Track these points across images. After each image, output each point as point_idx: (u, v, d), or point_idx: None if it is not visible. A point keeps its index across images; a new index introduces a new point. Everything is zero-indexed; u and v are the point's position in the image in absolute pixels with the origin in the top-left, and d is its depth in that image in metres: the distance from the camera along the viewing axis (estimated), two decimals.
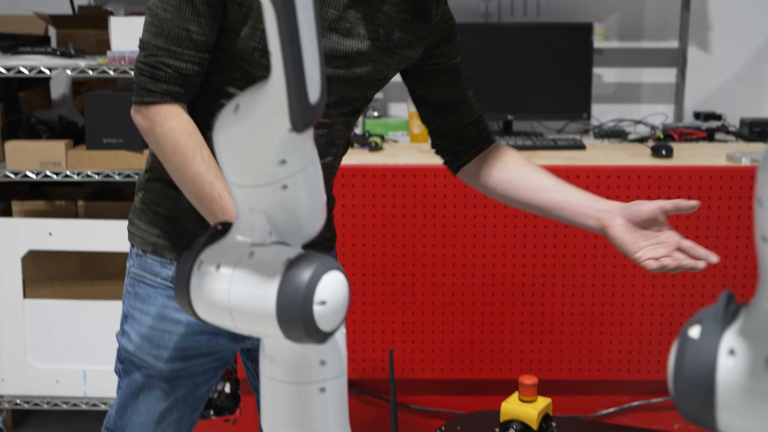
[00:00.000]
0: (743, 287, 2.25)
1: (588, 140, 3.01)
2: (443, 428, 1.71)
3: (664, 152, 2.40)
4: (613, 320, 2.27)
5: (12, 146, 2.62)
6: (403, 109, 3.42)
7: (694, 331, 0.78)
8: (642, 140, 3.01)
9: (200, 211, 1.35)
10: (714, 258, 1.34)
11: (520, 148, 2.54)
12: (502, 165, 1.52)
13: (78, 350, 2.72)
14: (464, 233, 2.23)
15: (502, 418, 1.65)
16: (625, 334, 2.28)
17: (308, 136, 1.00)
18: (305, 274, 0.98)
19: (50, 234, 2.64)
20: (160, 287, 1.47)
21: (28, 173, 2.62)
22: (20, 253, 2.66)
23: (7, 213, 2.76)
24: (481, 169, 1.54)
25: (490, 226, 2.24)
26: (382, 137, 2.63)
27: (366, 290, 2.26)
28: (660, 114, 3.46)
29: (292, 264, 0.99)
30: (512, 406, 1.65)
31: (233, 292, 1.01)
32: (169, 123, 1.33)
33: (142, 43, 1.35)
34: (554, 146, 2.57)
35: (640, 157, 2.42)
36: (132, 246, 1.52)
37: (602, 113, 3.47)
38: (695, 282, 2.26)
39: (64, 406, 2.73)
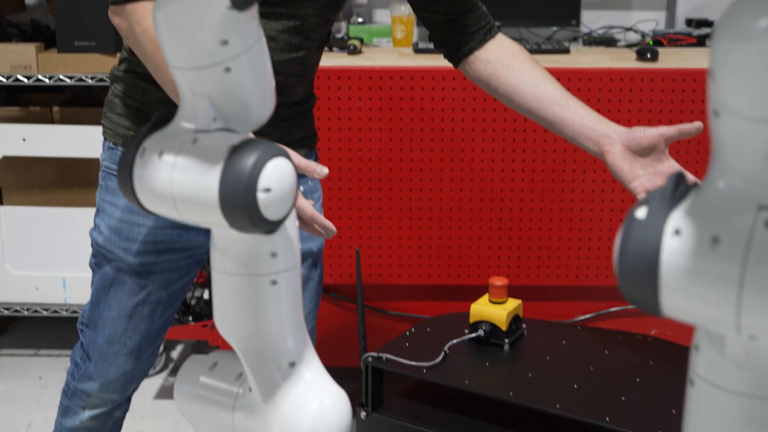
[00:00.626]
0: None
1: (576, 47, 2.94)
2: (413, 330, 1.70)
3: (649, 56, 2.33)
4: (592, 226, 2.25)
5: None
6: (387, 16, 3.33)
7: (641, 212, 0.74)
8: (629, 46, 2.94)
9: (174, 98, 1.31)
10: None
11: None
12: (506, 66, 1.43)
13: (57, 257, 2.70)
14: (438, 137, 2.19)
15: (472, 320, 1.64)
16: (604, 240, 2.26)
17: (251, 15, 0.95)
18: (248, 160, 0.94)
19: (24, 140, 2.59)
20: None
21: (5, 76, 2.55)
22: None
23: None
24: (484, 66, 1.45)
25: (468, 130, 2.19)
26: (362, 40, 2.56)
27: (342, 194, 2.23)
28: (651, 21, 3.37)
29: (236, 150, 0.95)
30: (482, 308, 1.63)
31: (176, 180, 0.97)
32: (148, 21, 1.27)
33: None
34: (538, 50, 2.50)
35: (624, 60, 2.36)
36: (104, 139, 1.51)
37: (592, 20, 3.38)
38: None
39: (44, 313, 2.72)
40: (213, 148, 0.96)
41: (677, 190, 0.75)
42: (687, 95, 2.16)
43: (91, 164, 2.61)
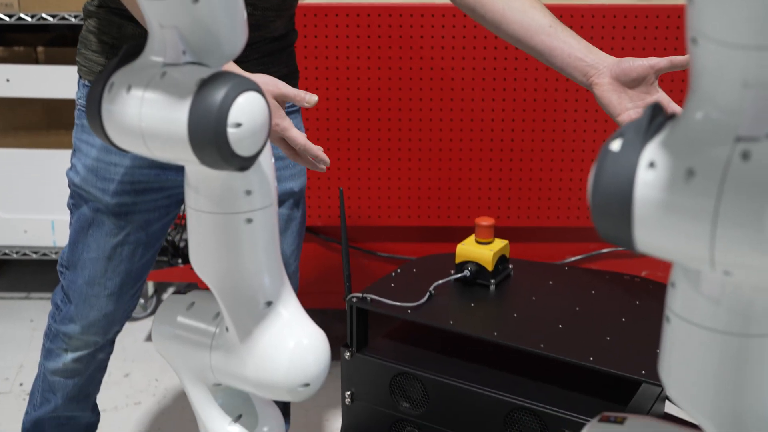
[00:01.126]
0: None
1: None
2: (399, 270, 1.68)
3: None
4: (583, 167, 2.22)
5: None
6: None
7: (615, 144, 0.72)
8: None
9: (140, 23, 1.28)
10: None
11: None
12: None
13: (45, 200, 2.68)
14: (426, 76, 2.15)
15: (458, 260, 1.62)
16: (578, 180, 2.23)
17: None
18: (218, 94, 0.92)
19: (8, 80, 2.54)
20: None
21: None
22: None
23: None
24: None
25: (458, 69, 2.15)
26: None
27: (328, 134, 2.20)
28: None
29: (205, 83, 0.92)
30: (468, 248, 1.62)
31: (144, 115, 0.95)
32: None
33: None
34: None
35: None
36: (80, 77, 1.47)
37: None
38: None
39: (34, 256, 2.72)
40: (182, 82, 0.94)
41: (654, 121, 0.72)
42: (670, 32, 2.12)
43: None
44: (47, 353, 1.62)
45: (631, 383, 1.40)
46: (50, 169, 2.66)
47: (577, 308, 1.54)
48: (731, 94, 0.67)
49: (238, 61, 1.42)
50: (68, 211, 1.54)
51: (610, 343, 1.42)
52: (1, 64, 2.57)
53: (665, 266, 2.31)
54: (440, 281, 1.59)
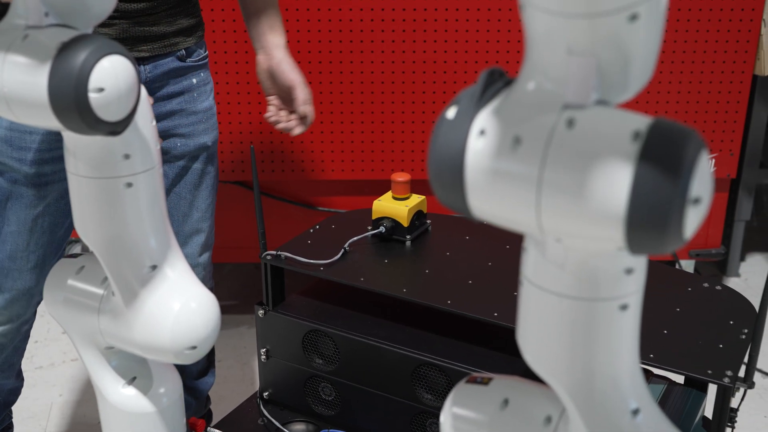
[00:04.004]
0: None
1: None
2: (317, 227, 1.68)
3: None
4: None
5: None
6: None
7: (450, 112, 0.72)
8: None
9: None
10: (298, 131, 1.60)
11: None
12: None
13: None
14: (332, 28, 2.13)
15: (374, 216, 1.62)
16: None
17: None
18: (78, 58, 0.90)
19: None
20: None
21: None
22: None
23: None
24: None
25: (366, 20, 2.13)
26: None
27: (231, 89, 2.18)
28: None
29: (65, 47, 0.91)
30: (383, 204, 1.61)
31: (5, 79, 0.93)
32: None
33: None
34: None
35: None
36: None
37: None
38: None
39: None
40: (43, 45, 0.92)
41: (489, 89, 0.72)
42: None
43: None
44: None
45: None
46: None
47: (489, 264, 1.55)
48: (557, 62, 0.67)
49: (148, 14, 1.40)
50: None
51: (516, 299, 1.43)
52: None
53: None
54: (355, 238, 1.60)
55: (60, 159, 1.43)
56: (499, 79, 0.72)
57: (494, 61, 2.16)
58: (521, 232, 0.74)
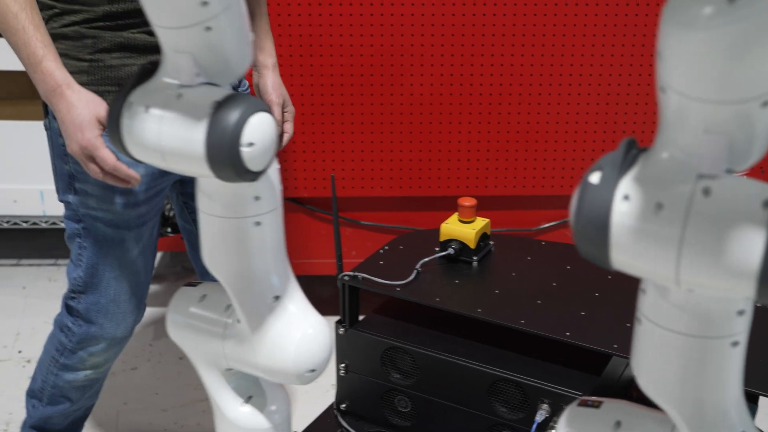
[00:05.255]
0: None
1: None
2: (386, 247, 1.78)
3: None
4: (558, 138, 2.33)
5: None
6: None
7: (594, 177, 0.82)
8: None
9: (10, 45, 1.33)
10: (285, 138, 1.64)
11: None
12: None
13: (34, 171, 2.73)
14: (403, 53, 2.23)
15: (442, 238, 1.73)
16: (569, 150, 2.34)
17: None
18: (232, 116, 1.00)
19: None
20: (104, 136, 1.42)
21: None
22: None
23: None
24: None
25: (437, 45, 2.23)
26: None
27: (306, 110, 2.28)
28: None
29: (220, 106, 1.01)
30: (451, 227, 1.72)
31: (164, 134, 1.03)
32: None
33: None
34: None
35: None
36: None
37: None
38: (634, 108, 2.30)
39: (24, 225, 2.78)
40: (198, 104, 1.02)
41: (627, 156, 0.82)
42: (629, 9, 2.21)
43: None
44: (63, 367, 1.64)
45: (604, 356, 1.52)
46: (36, 140, 2.71)
47: (554, 284, 1.66)
48: (693, 139, 0.77)
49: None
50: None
51: (584, 318, 1.54)
52: None
53: None
54: (426, 259, 1.70)
55: (152, 198, 1.52)
56: (635, 148, 0.83)
57: (558, 84, 2.26)
58: (656, 282, 0.85)
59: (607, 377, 1.51)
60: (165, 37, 1.03)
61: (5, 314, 2.65)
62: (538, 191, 2.38)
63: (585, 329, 1.50)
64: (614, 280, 1.68)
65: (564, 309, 1.57)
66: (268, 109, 1.04)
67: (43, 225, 2.78)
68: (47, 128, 1.51)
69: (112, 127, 1.07)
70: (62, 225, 2.70)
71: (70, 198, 1.50)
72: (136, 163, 1.44)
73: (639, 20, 2.22)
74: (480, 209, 1.75)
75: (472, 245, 1.71)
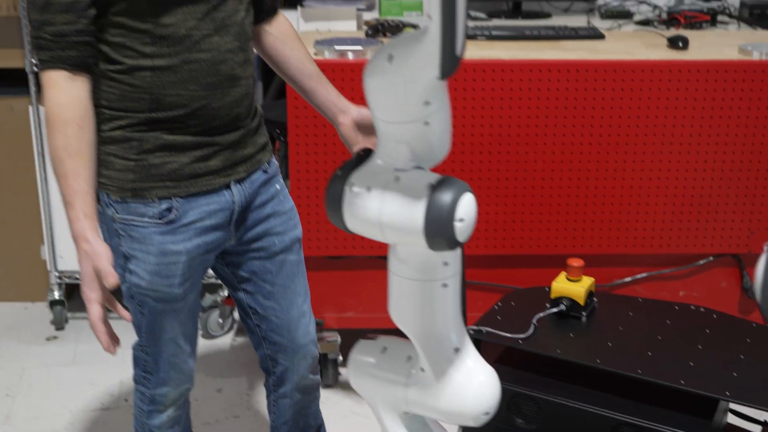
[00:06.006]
0: (749, 171, 2.49)
1: (594, 20, 3.18)
2: (499, 304, 1.96)
3: (680, 44, 2.57)
4: (631, 200, 2.52)
5: None
6: None
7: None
8: (648, 22, 3.17)
9: (56, 178, 1.50)
10: None
11: (543, 38, 2.70)
12: (284, 42, 1.80)
13: None
14: (513, 114, 2.41)
15: (553, 295, 1.91)
16: (640, 212, 2.53)
17: (446, 81, 1.19)
18: (447, 197, 1.19)
19: None
20: (151, 225, 1.60)
21: None
22: None
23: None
24: (267, 38, 1.78)
25: (542, 117, 2.43)
26: (415, 27, 2.77)
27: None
28: None
29: (435, 188, 1.20)
30: (562, 285, 1.90)
31: (384, 211, 1.22)
32: (48, 92, 1.48)
33: (29, 22, 1.50)
34: (576, 36, 2.73)
35: (656, 47, 2.60)
36: (107, 195, 1.59)
37: None
38: (703, 175, 2.49)
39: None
40: (415, 186, 1.20)
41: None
42: (718, 84, 2.42)
43: None
44: (148, 414, 1.81)
45: (712, 400, 1.69)
46: None
47: (659, 337, 1.84)
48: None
49: (239, 141, 1.65)
50: None
51: (693, 368, 1.72)
52: None
53: (699, 287, 2.62)
54: (541, 314, 1.88)
55: (193, 275, 1.69)
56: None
57: (658, 152, 2.47)
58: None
59: (717, 419, 1.68)
60: (386, 129, 1.22)
61: (107, 364, 2.79)
62: (613, 250, 2.57)
63: (694, 376, 1.68)
64: (712, 333, 1.86)
65: (674, 359, 1.74)
66: (471, 190, 1.22)
67: None
68: (101, 213, 1.63)
69: (333, 205, 1.25)
70: None
71: (126, 275, 1.64)
72: (174, 252, 1.62)
73: (706, 103, 2.43)
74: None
75: (582, 302, 1.89)
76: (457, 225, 1.19)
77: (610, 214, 2.52)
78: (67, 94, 1.48)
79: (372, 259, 2.56)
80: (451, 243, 1.20)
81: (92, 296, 1.47)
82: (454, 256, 1.32)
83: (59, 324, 3.01)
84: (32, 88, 2.79)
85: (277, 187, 1.78)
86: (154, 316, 1.69)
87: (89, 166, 1.50)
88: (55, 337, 2.98)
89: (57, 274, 2.96)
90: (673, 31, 2.96)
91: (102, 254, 1.46)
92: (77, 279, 2.96)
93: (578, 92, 2.42)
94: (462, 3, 1.09)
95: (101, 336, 1.51)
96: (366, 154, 1.28)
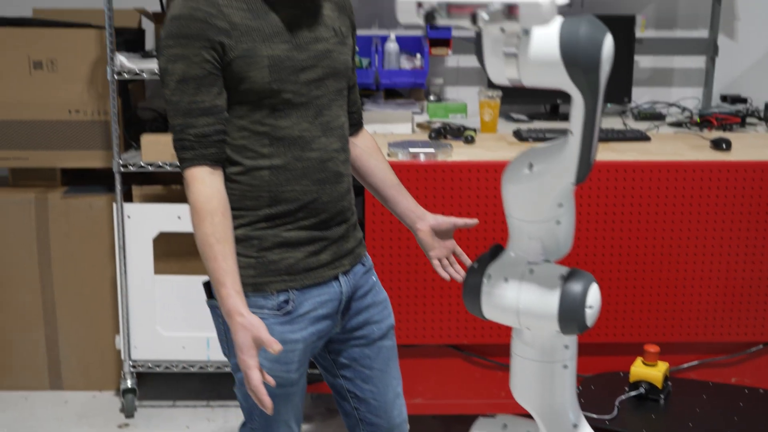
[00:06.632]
0: None
1: (629, 121, 3.40)
2: (580, 388, 2.10)
3: (724, 146, 2.78)
4: (685, 291, 2.68)
5: (147, 139, 2.93)
6: (457, 92, 3.77)
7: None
8: (680, 124, 3.39)
9: (204, 263, 1.65)
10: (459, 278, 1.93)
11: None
12: (369, 153, 1.96)
13: (199, 320, 3.05)
14: (583, 212, 2.57)
15: (632, 379, 2.05)
16: (693, 302, 2.69)
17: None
18: (578, 287, 1.35)
19: (179, 217, 2.96)
20: (270, 316, 1.72)
21: (161, 163, 2.93)
22: (152, 234, 2.99)
23: (128, 197, 3.07)
24: (353, 148, 1.93)
25: (618, 214, 2.61)
26: (475, 130, 2.98)
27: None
28: (691, 98, 3.82)
29: (567, 279, 1.36)
30: (640, 369, 2.04)
31: (522, 299, 1.38)
32: (194, 186, 1.64)
33: (170, 127, 1.66)
34: (623, 138, 2.93)
35: (701, 149, 2.80)
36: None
37: (637, 95, 3.81)
38: (752, 267, 2.66)
39: (192, 369, 3.08)
40: (548, 277, 1.37)
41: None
42: (756, 183, 2.61)
43: None
44: None
45: None
46: (200, 292, 3.04)
47: (736, 418, 1.97)
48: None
49: (344, 236, 1.82)
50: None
51: None
52: (174, 204, 2.98)
53: (751, 372, 2.75)
54: (622, 397, 2.01)
55: (306, 361, 1.83)
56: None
57: (727, 246, 2.64)
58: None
59: None
60: (520, 226, 1.39)
61: None
62: (667, 338, 2.71)
63: None
64: None
65: None
66: (596, 281, 1.39)
67: (210, 369, 3.08)
68: (212, 307, 1.79)
69: (472, 295, 1.42)
70: (226, 370, 3.01)
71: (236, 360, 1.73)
72: (292, 340, 1.74)
73: (746, 200, 2.62)
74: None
75: (660, 385, 2.03)
76: (588, 311, 1.35)
77: (665, 305, 2.67)
78: (210, 187, 1.65)
79: (440, 347, 2.69)
80: (582, 327, 1.36)
81: (251, 363, 1.59)
82: (573, 340, 1.47)
83: (130, 412, 3.12)
84: (118, 187, 2.97)
85: (374, 278, 1.94)
86: (271, 400, 1.80)
87: (234, 250, 1.65)
88: (126, 425, 3.09)
89: (131, 363, 3.09)
90: (708, 133, 3.18)
91: (259, 325, 1.59)
92: (150, 368, 3.09)
93: (634, 191, 2.61)
94: (599, 122, 1.27)
95: (264, 398, 1.60)
96: (497, 249, 1.45)
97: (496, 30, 1.13)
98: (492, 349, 2.74)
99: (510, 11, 1.07)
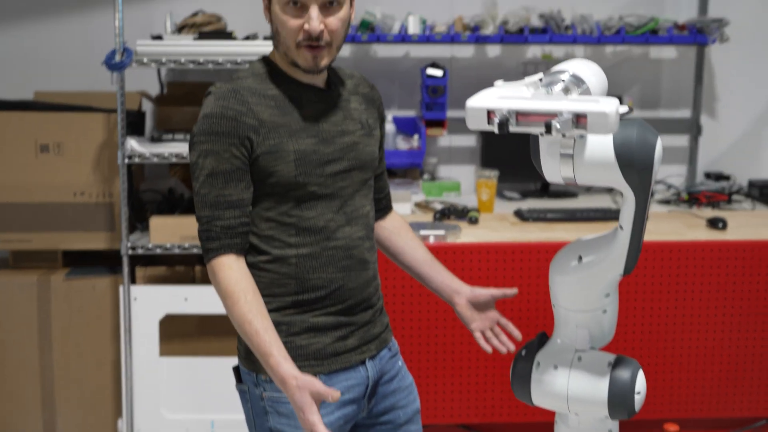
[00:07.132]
0: None
1: (619, 199, 3.49)
2: None
3: (720, 225, 2.87)
4: (689, 367, 2.74)
5: (156, 222, 2.95)
6: (449, 171, 3.85)
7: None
8: (668, 202, 3.50)
9: (246, 341, 1.67)
10: (511, 346, 1.90)
11: (593, 219, 2.99)
12: (398, 234, 1.99)
13: (203, 402, 3.04)
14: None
15: None
16: (698, 378, 2.74)
17: None
18: (627, 374, 1.40)
19: (186, 299, 2.96)
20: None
21: (169, 245, 2.95)
22: (158, 316, 2.99)
23: (131, 279, 3.08)
24: (383, 231, 1.98)
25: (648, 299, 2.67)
26: (478, 212, 3.05)
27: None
28: (677, 175, 3.93)
29: (615, 366, 1.41)
30: None
31: (571, 386, 1.42)
32: (221, 273, 1.67)
33: (197, 218, 1.71)
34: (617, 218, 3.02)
35: (697, 228, 2.90)
36: (256, 375, 1.75)
37: None
38: (753, 343, 2.74)
39: None
40: (596, 365, 1.42)
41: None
42: (755, 262, 2.70)
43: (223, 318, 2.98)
44: None
45: None
46: (205, 373, 3.04)
47: None
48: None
49: (371, 320, 1.84)
50: (227, 411, 1.77)
51: None
52: (181, 285, 3.00)
53: None
54: None
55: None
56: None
57: (699, 315, 2.72)
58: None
59: None
60: (567, 315, 1.44)
61: None
62: (678, 414, 2.75)
63: None
64: None
65: None
66: (641, 367, 1.43)
67: None
68: (244, 392, 1.80)
69: (522, 382, 1.45)
70: None
71: None
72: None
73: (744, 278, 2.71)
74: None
75: None
76: (636, 397, 1.40)
77: (671, 381, 2.73)
78: (238, 271, 1.68)
79: (454, 427, 2.71)
80: (630, 413, 1.40)
81: (315, 419, 1.58)
82: (616, 424, 1.51)
83: None
84: (125, 269, 2.98)
85: (399, 363, 1.97)
86: None
87: (272, 323, 1.68)
88: None
89: None
90: (699, 210, 3.29)
91: (314, 381, 1.59)
92: None
93: (638, 270, 2.66)
94: (648, 215, 1.34)
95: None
96: (543, 336, 1.49)
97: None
98: (502, 428, 2.76)
99: (578, 120, 1.13)
